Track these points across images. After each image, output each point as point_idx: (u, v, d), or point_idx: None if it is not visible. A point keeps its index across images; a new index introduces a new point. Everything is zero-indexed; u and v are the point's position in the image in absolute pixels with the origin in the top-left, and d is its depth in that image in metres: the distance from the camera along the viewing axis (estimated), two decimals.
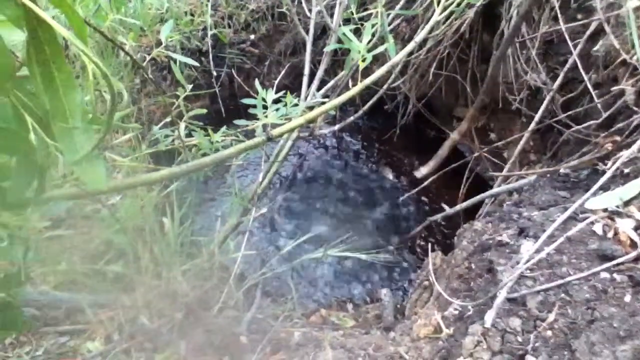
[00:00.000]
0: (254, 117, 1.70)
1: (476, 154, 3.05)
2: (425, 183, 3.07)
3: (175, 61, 1.77)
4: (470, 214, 2.58)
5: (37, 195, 0.66)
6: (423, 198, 3.27)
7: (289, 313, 2.02)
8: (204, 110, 1.81)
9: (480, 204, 2.50)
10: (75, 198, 0.91)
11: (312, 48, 2.50)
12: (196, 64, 1.61)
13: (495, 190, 2.15)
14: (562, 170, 1.78)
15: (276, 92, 1.71)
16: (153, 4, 2.94)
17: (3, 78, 0.47)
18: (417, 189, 3.13)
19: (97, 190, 0.85)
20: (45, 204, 0.75)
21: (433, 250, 2.05)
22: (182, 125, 1.80)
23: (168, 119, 1.99)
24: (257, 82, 1.81)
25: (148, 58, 1.92)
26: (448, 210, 2.40)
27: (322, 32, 3.41)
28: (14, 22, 0.45)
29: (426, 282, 1.94)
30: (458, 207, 2.33)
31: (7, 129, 0.55)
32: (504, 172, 2.34)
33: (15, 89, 0.50)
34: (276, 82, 2.13)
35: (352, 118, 2.86)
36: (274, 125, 1.55)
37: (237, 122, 1.80)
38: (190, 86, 1.78)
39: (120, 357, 1.68)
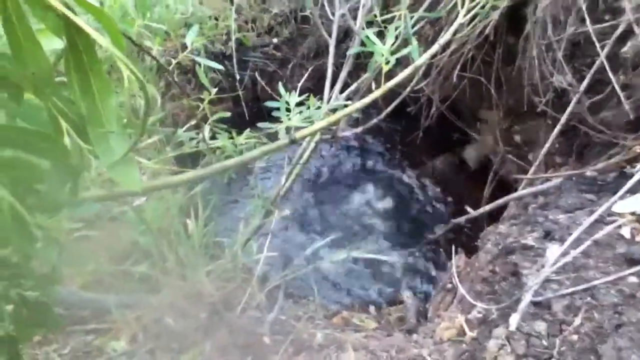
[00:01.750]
0: (277, 120, 1.71)
1: (500, 157, 3.02)
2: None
3: (200, 65, 1.79)
4: (494, 216, 2.55)
5: (70, 198, 0.68)
6: (448, 199, 3.26)
7: (311, 314, 2.02)
8: (228, 113, 1.83)
9: (504, 206, 2.48)
10: (104, 200, 0.93)
11: (335, 51, 2.51)
12: (220, 67, 1.63)
13: (520, 192, 2.13)
14: (588, 173, 1.76)
15: (299, 95, 1.72)
16: (178, 9, 2.98)
17: (43, 84, 0.49)
18: (441, 192, 3.11)
19: (125, 192, 0.88)
20: (78, 206, 0.78)
21: (457, 253, 2.04)
22: (207, 128, 1.83)
23: (193, 122, 2.01)
24: (280, 85, 1.83)
25: (174, 62, 1.95)
26: (472, 212, 2.38)
27: (345, 35, 3.42)
28: (53, 31, 0.47)
29: (449, 285, 1.93)
30: (482, 209, 2.32)
31: (43, 133, 0.57)
32: (529, 175, 2.31)
33: (52, 95, 0.52)
34: (299, 85, 2.15)
35: (374, 120, 2.85)
36: (297, 128, 1.57)
37: (260, 125, 1.82)
38: (215, 90, 1.80)
39: (145, 357, 1.70)
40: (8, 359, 0.85)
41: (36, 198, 0.65)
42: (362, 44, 1.84)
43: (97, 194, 0.88)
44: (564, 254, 1.34)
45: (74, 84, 0.48)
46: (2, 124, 0.56)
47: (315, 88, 2.93)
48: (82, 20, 0.45)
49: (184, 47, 1.79)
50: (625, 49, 1.95)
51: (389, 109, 2.77)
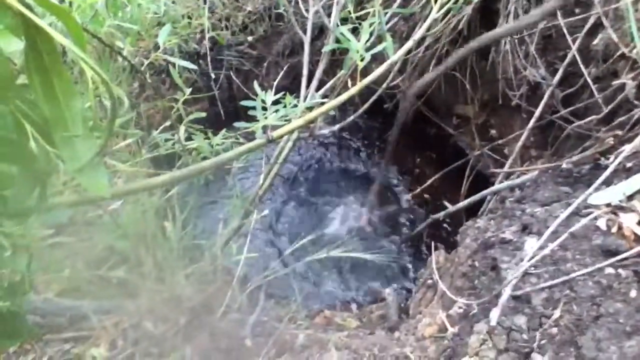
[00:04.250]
0: (253, 119, 1.70)
1: (477, 152, 3.04)
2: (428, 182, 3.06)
3: (174, 65, 1.76)
4: (473, 211, 2.57)
5: (39, 204, 0.66)
6: (425, 196, 3.27)
7: (292, 315, 2.01)
8: (204, 114, 1.81)
9: (482, 201, 2.50)
10: (76, 205, 0.91)
11: (310, 48, 2.49)
12: (194, 67, 1.61)
13: (497, 186, 2.14)
14: (564, 166, 1.77)
15: (275, 93, 1.70)
16: (150, 8, 2.93)
17: (3, 87, 0.47)
18: (420, 189, 3.12)
19: (98, 197, 0.85)
20: (47, 212, 0.75)
21: (436, 248, 2.05)
22: (182, 128, 1.80)
23: (168, 123, 1.98)
24: (256, 84, 1.81)
25: (146, 62, 1.91)
26: (450, 207, 2.39)
27: (320, 32, 3.41)
28: (11, 31, 0.45)
29: (430, 281, 1.93)
30: (460, 204, 2.33)
31: (7, 138, 0.55)
32: (506, 169, 2.33)
33: (15, 98, 0.50)
34: (275, 83, 2.13)
35: (351, 117, 2.85)
36: (274, 127, 1.55)
37: (236, 124, 1.80)
38: (189, 89, 1.78)
39: None
40: None
41: (2, 205, 0.62)
42: (337, 41, 1.83)
43: (69, 200, 0.86)
44: (542, 247, 1.35)
45: (35, 86, 0.46)
46: None
47: (291, 86, 2.92)
48: (45, 20, 0.43)
49: (157, 46, 1.75)
50: (595, 41, 1.97)
51: (366, 105, 2.77)
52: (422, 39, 2.58)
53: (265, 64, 3.68)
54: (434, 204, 3.24)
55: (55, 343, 1.76)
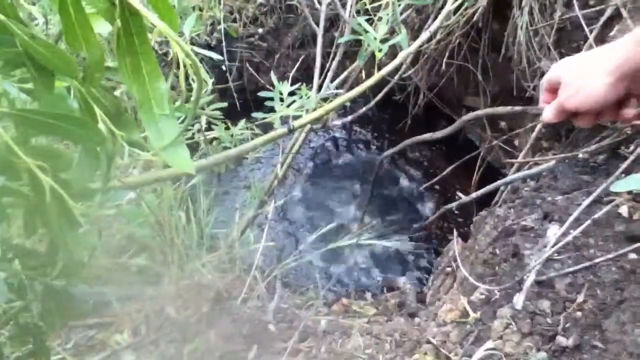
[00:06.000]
0: (266, 110, 1.73)
1: (487, 144, 3.07)
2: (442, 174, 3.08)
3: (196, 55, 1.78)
4: (483, 203, 2.59)
5: (103, 185, 0.68)
6: (436, 187, 3.29)
7: (311, 302, 2.04)
8: (225, 104, 1.83)
9: (492, 193, 2.52)
10: (138, 186, 0.94)
11: (321, 40, 2.51)
12: (220, 57, 1.62)
13: (512, 177, 2.16)
14: (580, 156, 1.79)
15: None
16: None
17: (95, 69, 0.49)
18: (432, 181, 3.14)
19: (158, 177, 0.88)
20: (109, 193, 0.78)
21: (458, 235, 2.07)
22: (204, 118, 1.82)
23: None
24: (273, 75, 1.83)
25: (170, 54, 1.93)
26: (464, 198, 2.41)
27: (331, 24, 3.42)
28: (104, 14, 0.47)
29: (448, 269, 1.96)
30: (474, 194, 2.35)
31: (79, 118, 0.57)
32: (520, 159, 2.35)
33: (101, 79, 0.52)
34: (290, 74, 2.15)
35: (364, 109, 2.87)
36: (294, 117, 1.58)
37: (255, 115, 1.82)
38: (211, 80, 1.80)
39: (149, 349, 1.70)
40: (34, 350, 0.85)
41: (66, 186, 0.65)
42: (353, 32, 1.85)
43: (131, 181, 0.89)
44: (564, 234, 1.37)
45: (125, 68, 0.49)
46: (39, 110, 0.56)
47: (302, 78, 2.94)
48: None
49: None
50: (612, 33, 1.99)
51: (378, 97, 2.79)
52: (435, 31, 2.60)
53: (276, 56, 3.70)
54: (444, 195, 3.27)
55: (80, 329, 1.79)
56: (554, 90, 0.87)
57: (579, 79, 0.80)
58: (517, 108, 2.11)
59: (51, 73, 0.54)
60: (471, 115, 2.36)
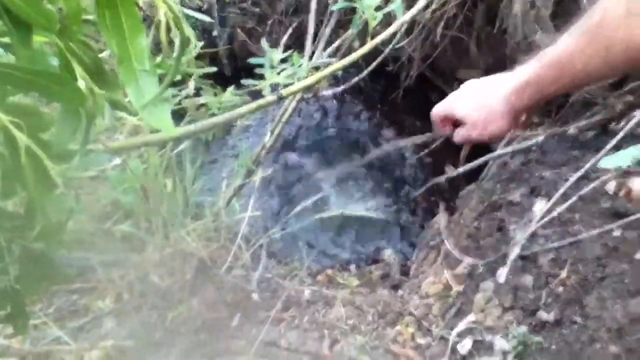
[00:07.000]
0: (255, 77, 1.69)
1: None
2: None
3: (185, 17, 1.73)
4: (469, 177, 2.58)
5: (82, 147, 0.65)
6: (425, 160, 3.27)
7: (295, 272, 2.04)
8: (214, 68, 1.79)
9: (479, 167, 2.51)
10: (122, 151, 0.91)
11: (315, 7, 2.46)
12: (210, 19, 1.58)
13: (500, 151, 2.15)
14: (570, 131, 1.78)
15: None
16: None
17: (72, 21, 0.46)
18: (421, 153, 3.12)
19: (142, 142, 0.85)
20: (89, 155, 0.75)
21: (445, 208, 2.07)
22: (192, 83, 1.78)
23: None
24: (264, 42, 1.79)
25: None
26: (452, 171, 2.40)
27: None
28: None
29: (432, 242, 1.96)
30: (462, 168, 2.34)
31: (57, 74, 0.54)
32: (510, 133, 2.33)
33: (78, 33, 0.49)
34: (282, 41, 2.10)
35: (356, 79, 2.83)
36: (284, 85, 1.55)
37: (244, 81, 1.78)
38: (201, 44, 1.75)
39: (132, 315, 1.70)
40: (12, 313, 0.83)
41: (46, 147, 0.62)
42: None
43: (114, 144, 0.86)
44: (550, 210, 1.37)
45: (105, 21, 0.46)
46: (15, 64, 0.53)
47: (294, 45, 2.88)
48: None
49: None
50: None
51: (371, 67, 2.74)
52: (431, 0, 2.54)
53: (268, 22, 3.62)
54: (433, 168, 3.25)
55: (62, 294, 1.78)
56: (450, 122, 1.02)
57: (483, 122, 0.93)
58: None
59: (29, 27, 0.51)
60: None
